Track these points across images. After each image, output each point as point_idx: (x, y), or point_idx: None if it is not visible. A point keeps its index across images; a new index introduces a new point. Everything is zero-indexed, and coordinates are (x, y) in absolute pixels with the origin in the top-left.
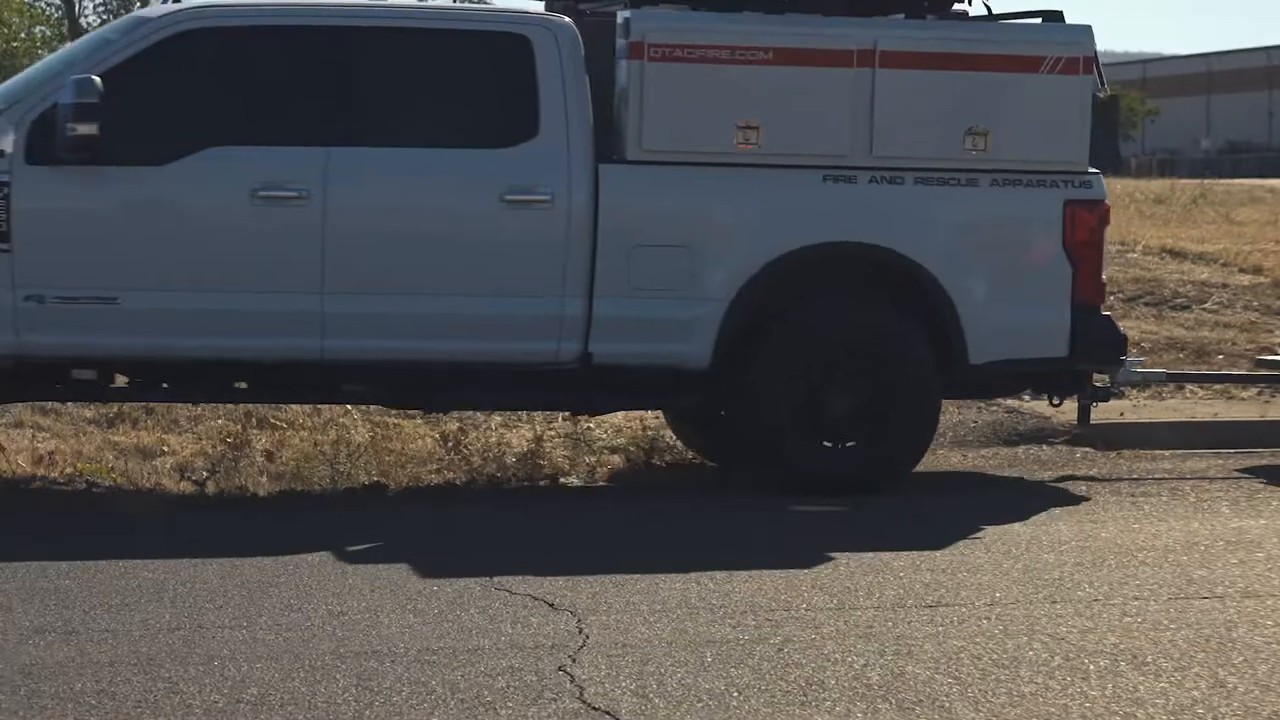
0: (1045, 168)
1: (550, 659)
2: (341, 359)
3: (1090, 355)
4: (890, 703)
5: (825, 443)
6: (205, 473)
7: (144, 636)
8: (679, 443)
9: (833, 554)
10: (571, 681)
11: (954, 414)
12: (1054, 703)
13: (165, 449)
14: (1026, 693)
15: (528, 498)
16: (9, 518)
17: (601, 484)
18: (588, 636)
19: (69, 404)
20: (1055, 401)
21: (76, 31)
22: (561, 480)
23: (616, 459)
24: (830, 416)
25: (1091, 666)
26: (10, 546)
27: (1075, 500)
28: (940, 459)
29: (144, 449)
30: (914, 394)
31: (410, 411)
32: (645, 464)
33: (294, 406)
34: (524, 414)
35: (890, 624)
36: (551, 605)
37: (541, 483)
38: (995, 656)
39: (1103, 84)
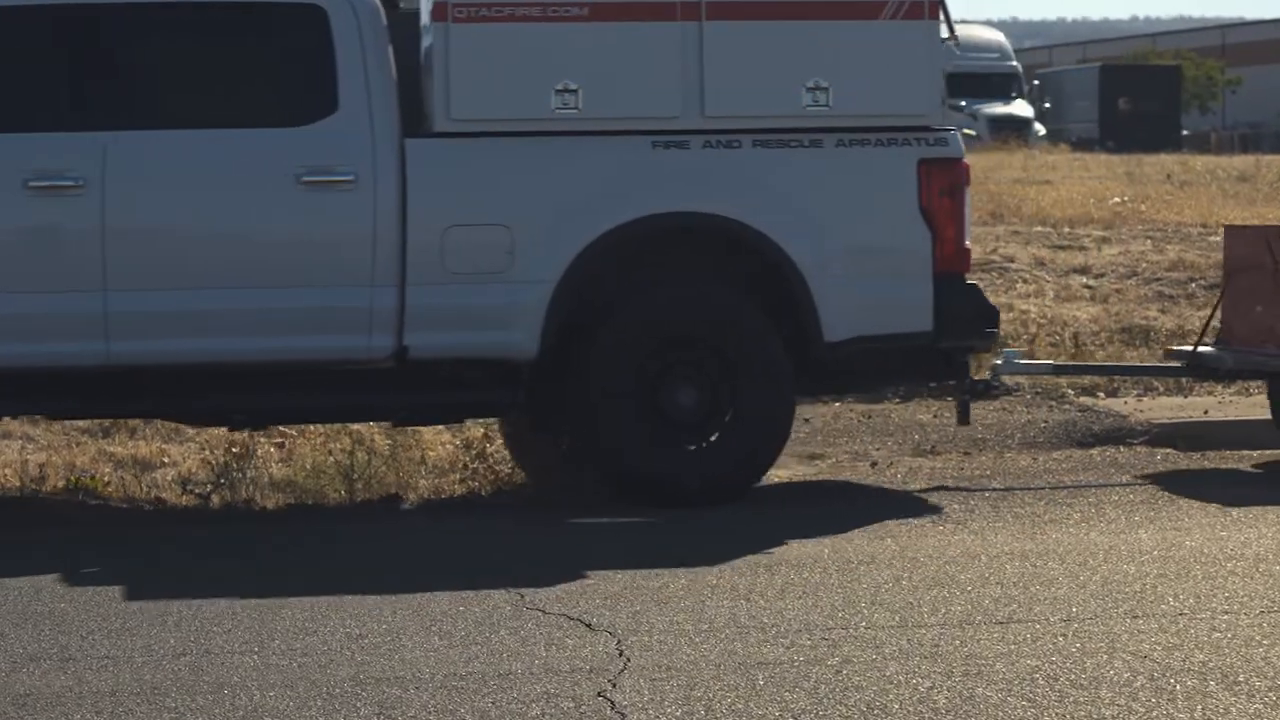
0: (894, 123)
1: (589, 684)
2: (129, 363)
3: (957, 330)
4: None
5: (668, 440)
6: (209, 485)
7: (147, 663)
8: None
9: (892, 568)
10: (612, 708)
11: (1023, 413)
12: None
13: (165, 460)
14: (1108, 716)
15: (559, 509)
16: None
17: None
18: (629, 659)
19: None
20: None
21: None
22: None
23: None
24: (672, 410)
25: (1178, 687)
26: (0, 567)
27: (1156, 506)
28: (1008, 462)
29: (142, 460)
30: (766, 378)
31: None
32: None
33: None
34: None
35: (958, 642)
36: (589, 625)
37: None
38: (1073, 677)
39: (951, 30)
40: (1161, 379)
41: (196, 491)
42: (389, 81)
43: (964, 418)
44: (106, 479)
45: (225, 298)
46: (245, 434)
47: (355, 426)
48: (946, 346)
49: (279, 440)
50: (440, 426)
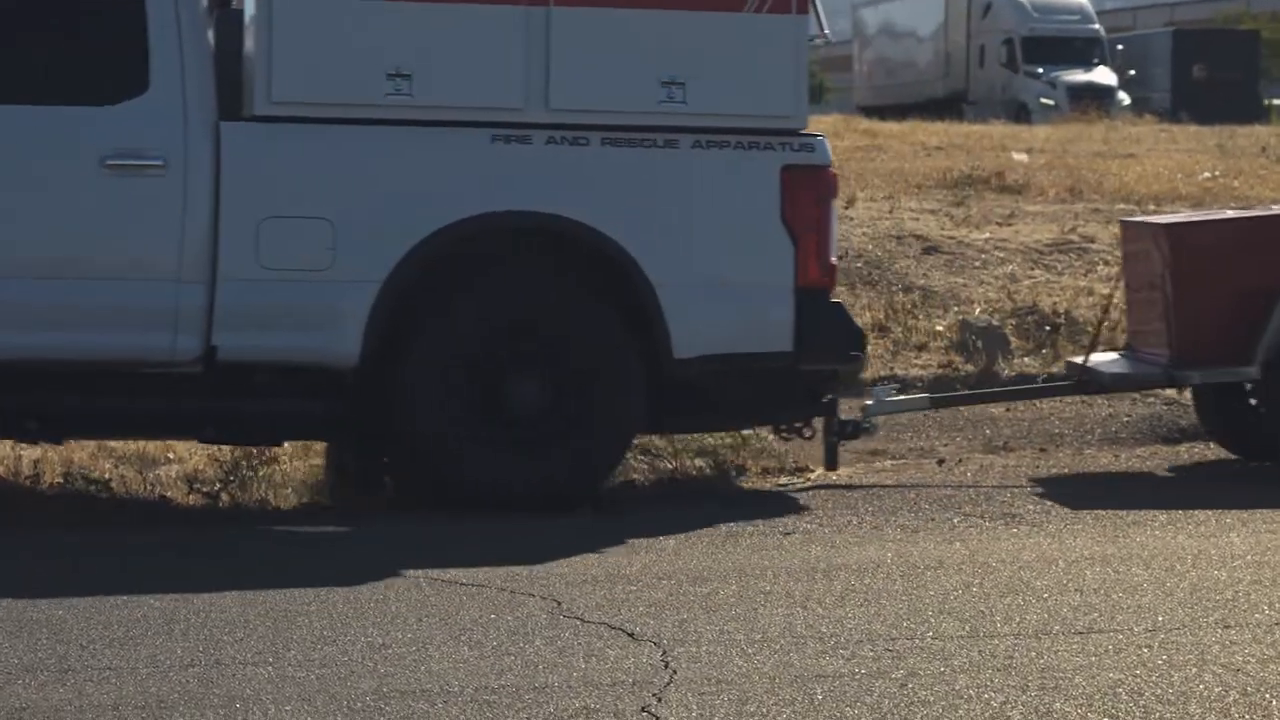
0: (756, 124)
1: (632, 698)
2: None
3: (819, 351)
4: None
5: (503, 451)
6: (217, 483)
7: (152, 675)
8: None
9: (961, 573)
10: None
11: (1103, 407)
12: None
13: (170, 456)
14: None
15: (594, 509)
16: None
17: (673, 494)
18: (675, 671)
19: None
20: (806, 433)
21: None
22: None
23: (699, 462)
24: (507, 420)
25: (1274, 703)
26: None
27: (1249, 508)
28: (1088, 460)
29: (145, 457)
30: (606, 389)
31: None
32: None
33: None
34: None
35: (1033, 654)
36: (631, 635)
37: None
38: (1159, 691)
39: (822, 27)
40: None
41: (204, 490)
42: (206, 59)
43: (832, 463)
44: (107, 476)
45: (18, 289)
46: None
47: None
48: (808, 369)
49: None
50: None
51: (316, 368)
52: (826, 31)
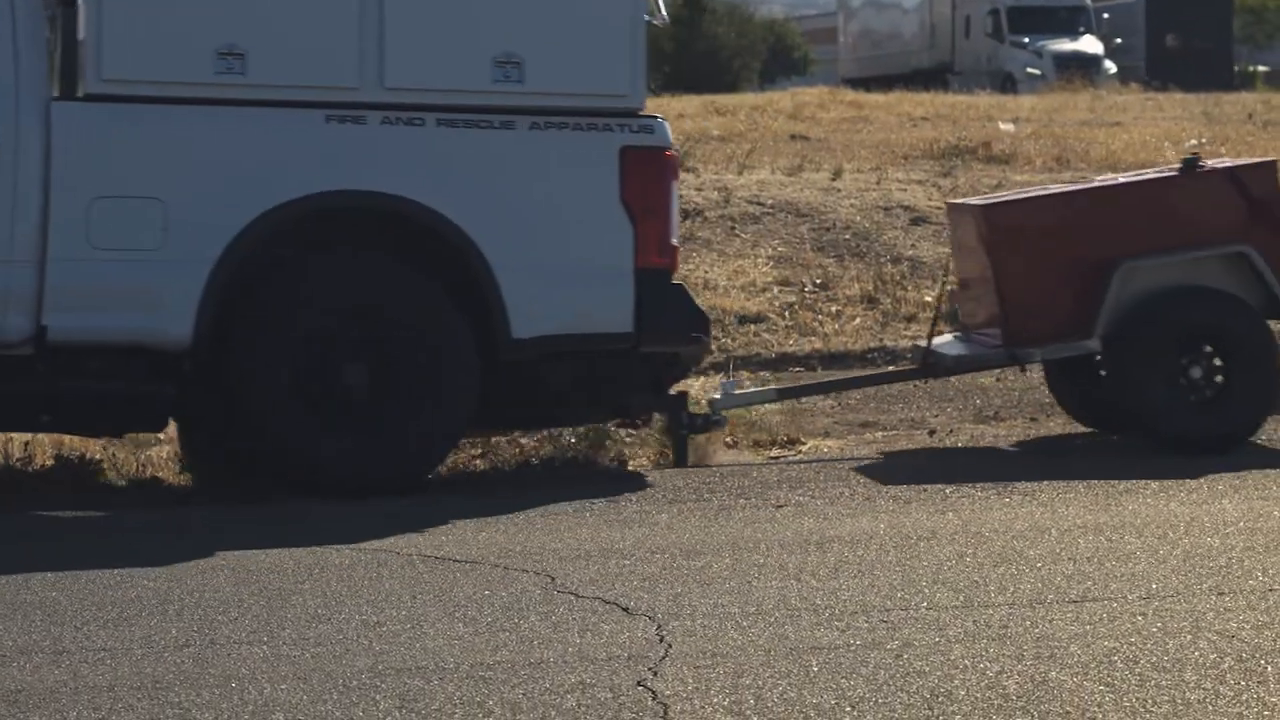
0: (594, 104)
1: (627, 672)
2: None
3: (660, 333)
4: (1031, 715)
5: (340, 433)
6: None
7: (147, 655)
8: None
9: (954, 544)
10: (654, 698)
11: None
12: (1226, 711)
13: (160, 436)
14: (1193, 700)
15: (587, 486)
16: None
17: (664, 468)
18: (670, 645)
19: None
20: (640, 421)
21: None
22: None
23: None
24: (343, 402)
25: (1270, 668)
26: None
27: (1242, 474)
28: (1077, 428)
29: (135, 437)
30: (441, 370)
31: None
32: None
33: None
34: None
35: (1028, 623)
36: (626, 610)
37: (606, 466)
38: (1154, 659)
39: (658, 5)
40: None
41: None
42: (39, 37)
43: (681, 459)
44: (98, 457)
45: None
46: None
47: None
48: (649, 350)
49: None
50: None
51: (149, 349)
52: (664, 13)
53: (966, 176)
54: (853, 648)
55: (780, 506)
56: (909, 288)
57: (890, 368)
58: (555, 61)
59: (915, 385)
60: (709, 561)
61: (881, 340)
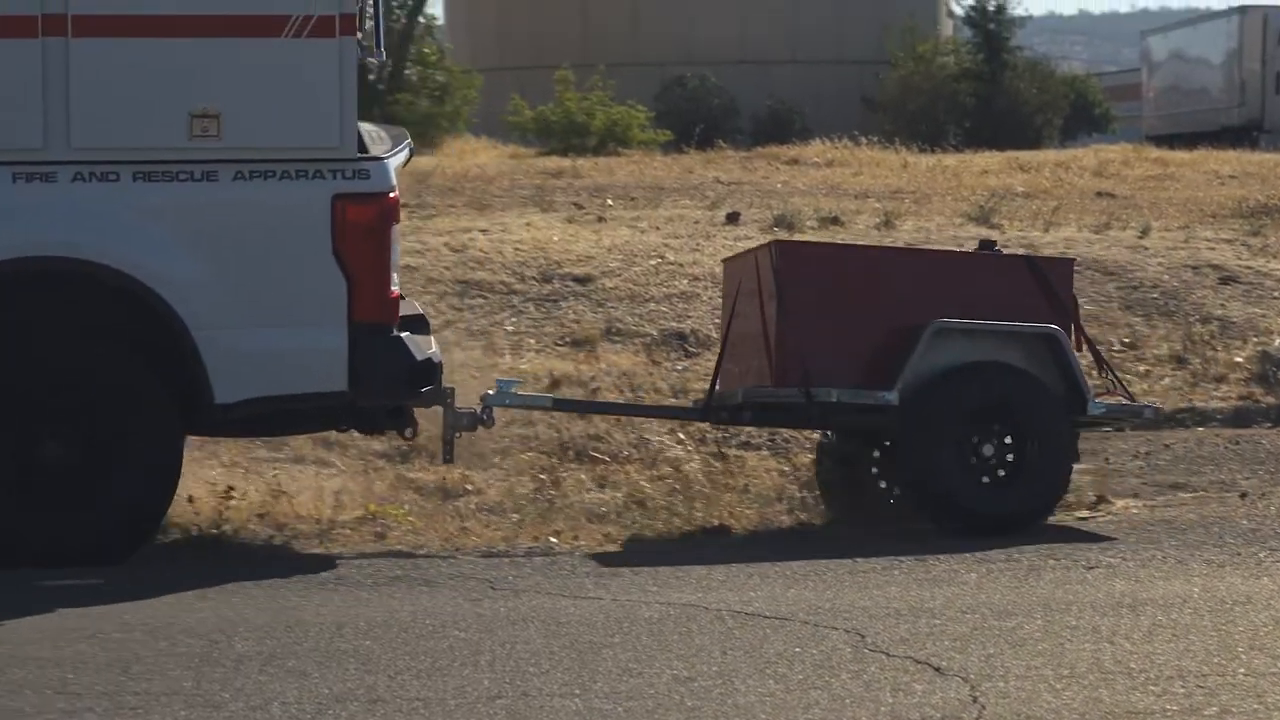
0: (299, 155)
1: None
2: None
3: (378, 388)
4: None
5: (37, 507)
6: (515, 515)
7: (460, 706)
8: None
9: (1271, 609)
10: None
11: None
12: None
13: (469, 487)
14: None
15: (894, 543)
16: (295, 568)
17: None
18: (984, 707)
19: (356, 437)
20: (407, 433)
21: None
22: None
23: None
24: (40, 474)
25: None
26: (300, 602)
27: None
28: None
29: (445, 488)
30: (136, 442)
31: (753, 444)
32: None
33: (617, 437)
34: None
35: None
36: (938, 670)
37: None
38: None
39: (377, 45)
40: None
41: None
42: None
43: (448, 455)
44: (407, 507)
45: None
46: (553, 460)
47: (673, 451)
48: (367, 406)
49: (599, 463)
50: (763, 452)
51: None
52: (382, 52)
53: (1277, 235)
54: (1169, 713)
55: (1091, 568)
56: (1219, 348)
57: (1198, 428)
58: (257, 112)
59: (1225, 447)
60: (1020, 622)
61: (1190, 400)
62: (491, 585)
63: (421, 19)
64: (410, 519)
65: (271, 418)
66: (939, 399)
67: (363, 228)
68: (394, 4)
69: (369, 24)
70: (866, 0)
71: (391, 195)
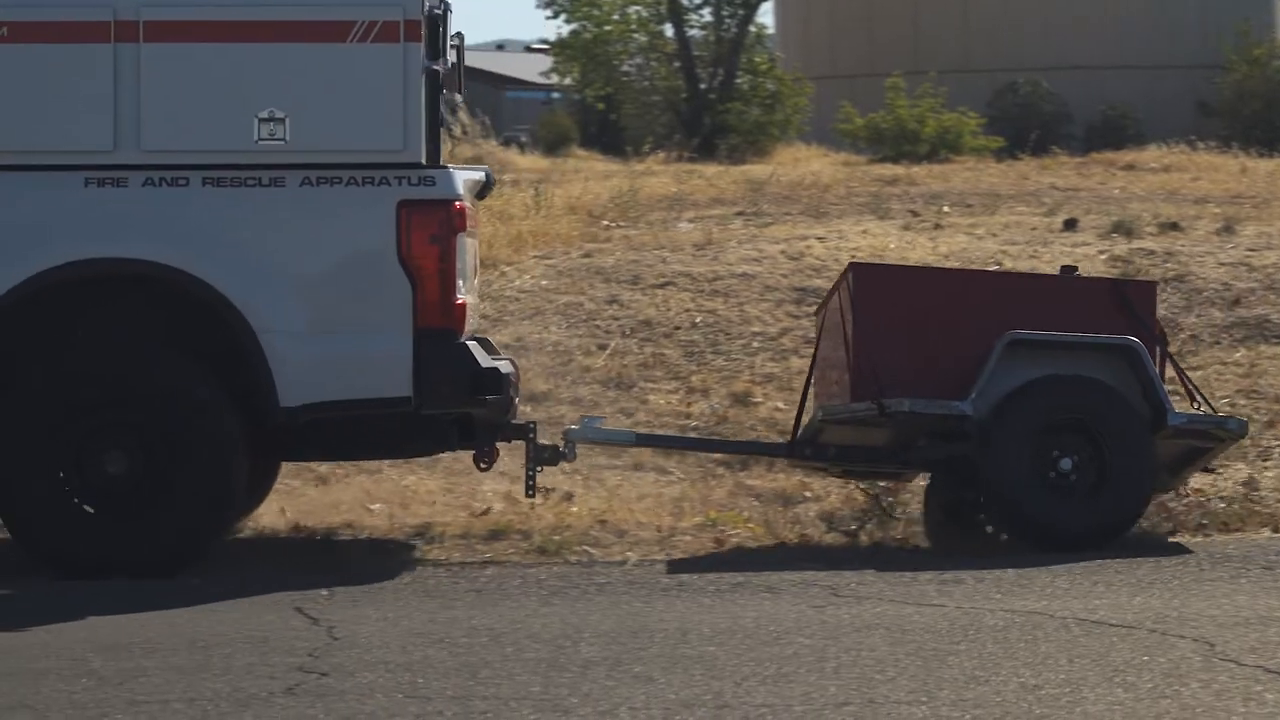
0: (365, 160)
1: None
2: None
3: (442, 395)
4: None
5: (97, 519)
6: (854, 523)
7: (808, 713)
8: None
9: None
10: None
11: None
12: None
13: (808, 494)
14: None
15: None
16: (636, 574)
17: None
18: None
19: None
20: (482, 465)
21: (677, 10)
22: None
23: None
24: (103, 484)
25: None
26: (643, 608)
27: None
28: None
29: (784, 494)
30: (200, 450)
31: None
32: None
33: None
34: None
35: None
36: None
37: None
38: None
39: (442, 53)
40: None
41: (842, 529)
42: None
43: (530, 490)
44: (746, 514)
45: None
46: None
47: None
48: (430, 414)
49: None
50: None
51: None
52: (447, 58)
53: None
54: None
55: None
56: None
57: None
58: (322, 117)
59: None
60: None
61: None
62: (834, 592)
63: (752, 28)
64: (750, 525)
65: (342, 432)
66: (1014, 411)
67: (428, 235)
68: (724, 14)
69: (450, 62)
70: (1197, 3)
71: (457, 204)
